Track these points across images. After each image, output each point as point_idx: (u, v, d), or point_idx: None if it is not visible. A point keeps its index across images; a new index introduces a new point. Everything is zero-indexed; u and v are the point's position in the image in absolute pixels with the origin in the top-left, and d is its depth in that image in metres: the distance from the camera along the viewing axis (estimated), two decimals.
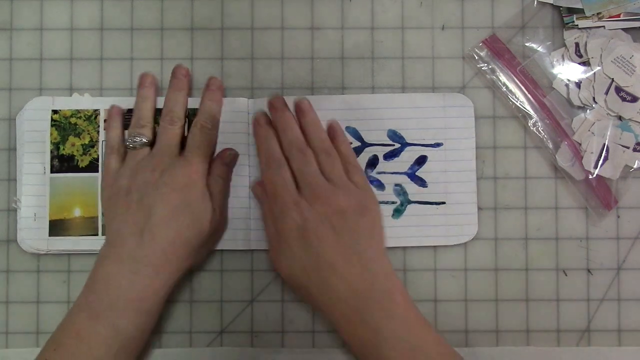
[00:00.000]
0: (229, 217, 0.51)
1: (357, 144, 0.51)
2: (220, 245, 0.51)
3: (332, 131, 0.49)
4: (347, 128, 0.51)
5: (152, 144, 0.49)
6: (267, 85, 0.52)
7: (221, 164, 0.49)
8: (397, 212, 0.51)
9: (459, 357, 0.42)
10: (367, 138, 0.51)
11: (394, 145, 0.51)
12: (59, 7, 0.53)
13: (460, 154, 0.51)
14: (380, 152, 0.51)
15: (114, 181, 0.47)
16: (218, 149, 0.51)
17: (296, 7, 0.53)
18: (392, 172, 0.51)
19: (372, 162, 0.51)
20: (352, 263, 0.43)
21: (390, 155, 0.51)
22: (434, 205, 0.51)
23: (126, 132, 0.50)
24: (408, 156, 0.51)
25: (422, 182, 0.51)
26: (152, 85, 0.50)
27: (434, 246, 0.51)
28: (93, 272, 0.44)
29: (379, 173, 0.51)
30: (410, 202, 0.51)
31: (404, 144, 0.51)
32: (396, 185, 0.51)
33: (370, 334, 0.41)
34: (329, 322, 0.45)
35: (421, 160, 0.51)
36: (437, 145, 0.51)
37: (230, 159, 0.50)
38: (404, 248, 0.51)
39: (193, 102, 0.51)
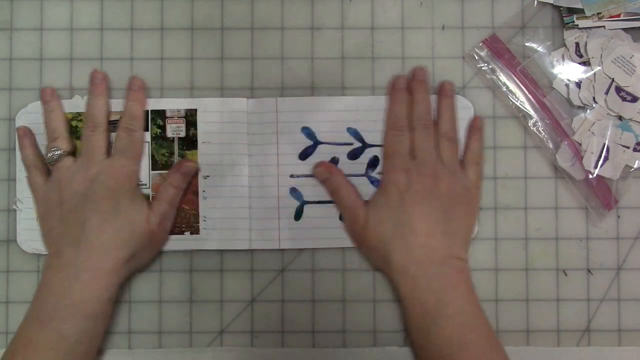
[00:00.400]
0: (230, 217, 0.51)
1: (358, 144, 0.51)
2: (220, 245, 0.51)
3: (471, 128, 0.51)
4: (348, 129, 0.51)
5: (72, 152, 0.50)
6: (267, 85, 0.52)
7: (176, 172, 0.50)
8: None
9: (503, 351, 0.45)
10: (368, 139, 0.51)
11: None
12: (59, 7, 0.53)
13: (461, 154, 0.51)
14: (381, 153, 0.51)
15: (45, 195, 0.48)
16: (219, 149, 0.51)
17: (296, 7, 0.53)
18: None
19: (373, 163, 0.51)
20: (436, 237, 0.46)
21: None
22: None
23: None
24: None
25: None
26: (54, 98, 0.51)
27: None
28: (40, 281, 0.46)
29: (380, 173, 0.51)
30: None
31: None
32: None
33: (433, 301, 0.45)
34: (394, 285, 0.47)
35: None
36: None
37: (188, 169, 0.50)
38: None
39: (194, 103, 0.51)
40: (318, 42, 0.53)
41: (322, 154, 0.51)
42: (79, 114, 0.51)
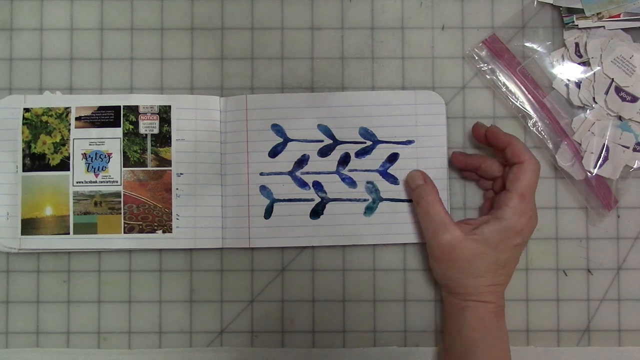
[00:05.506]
0: (203, 216, 0.51)
1: (328, 141, 0.51)
2: (193, 244, 0.51)
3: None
4: (319, 126, 0.51)
5: None
6: (267, 85, 0.52)
7: None
8: (369, 210, 0.51)
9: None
10: (339, 136, 0.51)
11: (365, 142, 0.51)
12: (59, 7, 0.53)
13: (431, 151, 0.51)
14: (352, 149, 0.51)
15: None
16: (193, 147, 0.51)
17: (296, 7, 0.53)
18: (363, 169, 0.51)
19: (344, 160, 0.51)
20: (512, 274, 0.48)
21: (362, 153, 0.51)
22: (406, 203, 0.51)
23: None
24: (380, 154, 0.51)
25: (393, 180, 0.51)
26: None
27: None
28: None
29: (351, 171, 0.51)
30: (382, 199, 0.51)
31: (376, 142, 0.51)
32: (368, 182, 0.51)
33: (492, 318, 0.47)
34: (456, 300, 0.47)
35: (393, 158, 0.51)
36: (409, 142, 0.51)
37: None
38: (374, 246, 0.51)
39: (168, 100, 0.51)
40: (318, 42, 0.53)
41: (292, 151, 0.51)
42: (49, 109, 0.51)
